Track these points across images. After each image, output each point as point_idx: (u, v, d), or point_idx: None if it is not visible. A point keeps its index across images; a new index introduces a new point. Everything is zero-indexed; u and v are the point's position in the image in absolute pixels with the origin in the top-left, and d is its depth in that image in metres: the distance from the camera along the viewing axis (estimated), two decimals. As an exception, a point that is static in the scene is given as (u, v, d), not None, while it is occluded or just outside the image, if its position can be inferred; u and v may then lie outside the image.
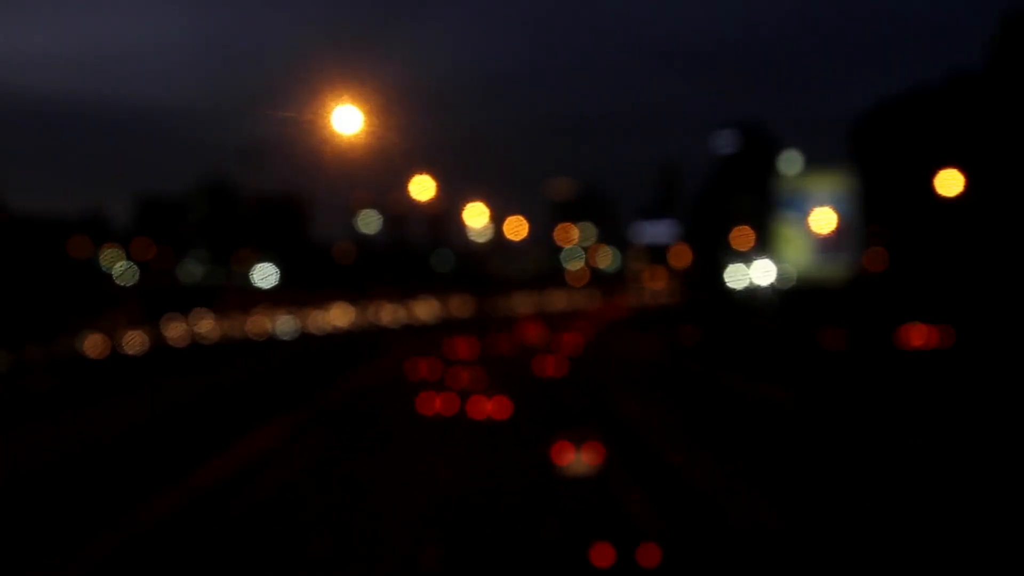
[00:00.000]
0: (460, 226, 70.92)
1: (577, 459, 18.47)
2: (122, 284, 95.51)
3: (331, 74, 18.98)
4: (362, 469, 18.41)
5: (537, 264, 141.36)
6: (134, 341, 58.66)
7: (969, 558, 11.75)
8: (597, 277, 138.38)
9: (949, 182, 38.35)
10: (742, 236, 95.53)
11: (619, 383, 34.32)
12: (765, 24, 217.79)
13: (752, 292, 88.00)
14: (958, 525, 13.17)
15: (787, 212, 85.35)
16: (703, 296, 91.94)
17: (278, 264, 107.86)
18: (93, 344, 54.42)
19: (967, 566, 11.53)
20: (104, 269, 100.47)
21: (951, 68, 71.31)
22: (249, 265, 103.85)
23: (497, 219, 69.40)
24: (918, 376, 29.98)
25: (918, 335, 43.29)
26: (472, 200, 49.98)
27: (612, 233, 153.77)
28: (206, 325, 72.14)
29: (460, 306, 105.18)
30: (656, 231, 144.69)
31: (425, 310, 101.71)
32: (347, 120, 18.36)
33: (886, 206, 70.75)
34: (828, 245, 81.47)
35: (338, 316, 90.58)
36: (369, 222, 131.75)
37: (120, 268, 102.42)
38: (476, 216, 52.12)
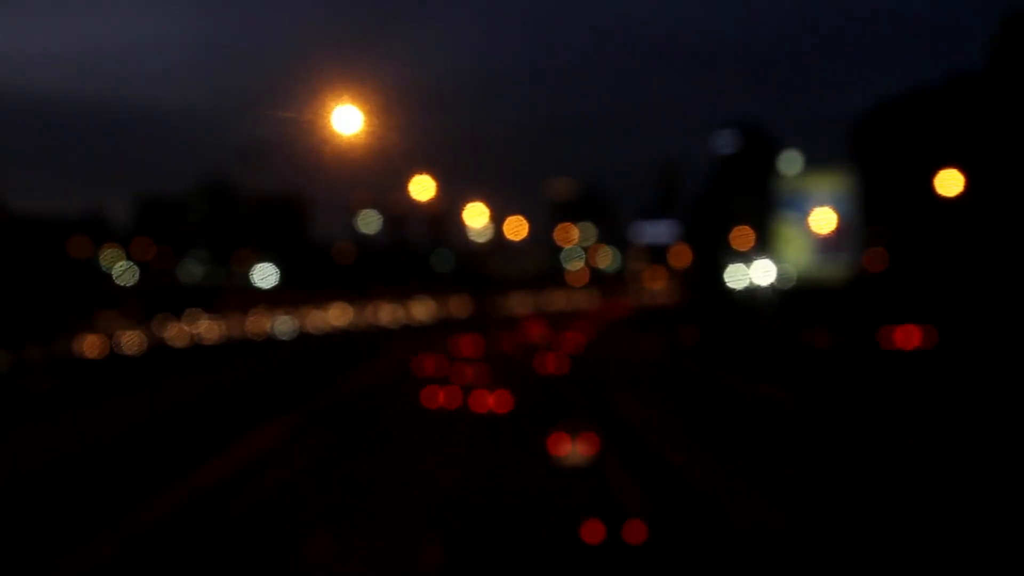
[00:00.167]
0: (460, 226, 70.93)
1: (573, 450, 18.92)
2: (122, 284, 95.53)
3: (331, 74, 18.98)
4: (362, 469, 18.42)
5: (537, 264, 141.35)
6: (133, 341, 58.66)
7: (969, 558, 11.75)
8: (597, 277, 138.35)
9: (949, 182, 38.34)
10: (742, 236, 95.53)
11: (619, 383, 34.35)
12: (765, 24, 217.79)
13: (752, 292, 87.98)
14: (958, 525, 13.17)
15: (787, 212, 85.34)
16: (703, 296, 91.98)
17: (278, 264, 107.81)
18: (92, 344, 54.42)
19: (967, 566, 11.53)
20: (104, 269, 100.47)
21: (951, 68, 71.35)
22: (249, 265, 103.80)
23: (497, 219, 69.40)
24: (918, 376, 29.99)
25: (906, 335, 43.32)
26: (472, 200, 50.00)
27: (612, 233, 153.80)
28: (202, 326, 72.09)
29: (459, 306, 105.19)
30: (656, 231, 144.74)
31: (423, 310, 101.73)
32: (347, 120, 18.36)
33: (886, 206, 70.74)
34: (828, 245, 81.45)
35: (337, 316, 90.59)
36: (369, 222, 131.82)
37: (120, 268, 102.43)
38: (476, 216, 52.12)
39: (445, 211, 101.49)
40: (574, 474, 17.54)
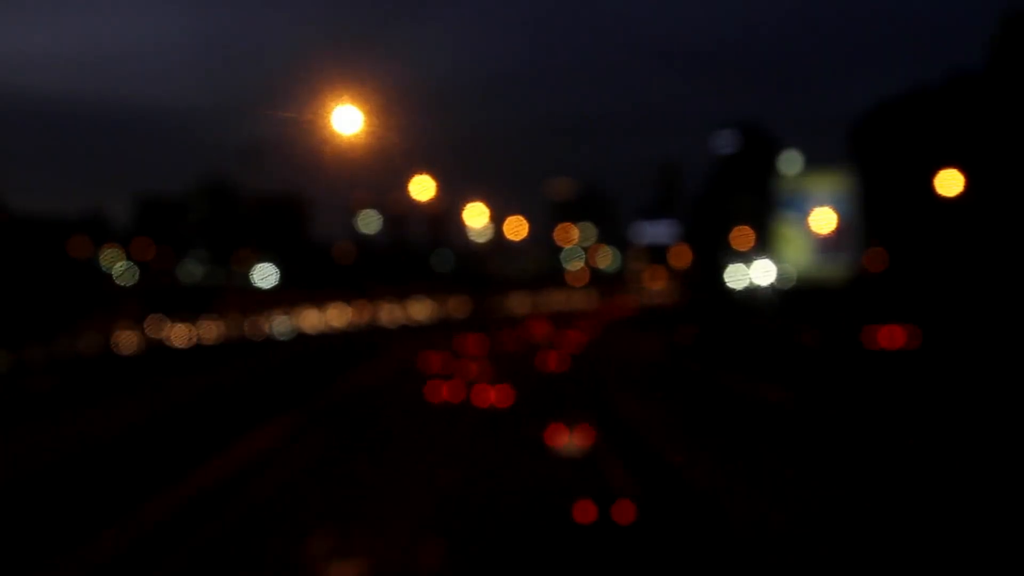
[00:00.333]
0: (460, 226, 71.04)
1: (570, 441, 19.60)
2: (122, 284, 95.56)
3: (331, 74, 19.02)
4: (362, 468, 18.42)
5: (537, 264, 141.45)
6: (132, 341, 58.66)
7: (969, 557, 11.76)
8: (597, 277, 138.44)
9: (949, 182, 38.37)
10: (742, 236, 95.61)
11: (619, 383, 34.37)
12: (765, 24, 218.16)
13: (752, 292, 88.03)
14: (958, 525, 13.17)
15: (787, 212, 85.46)
16: (703, 296, 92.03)
17: (278, 264, 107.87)
18: (92, 344, 54.41)
19: (967, 566, 11.53)
20: (104, 269, 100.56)
21: (951, 68, 71.49)
22: (249, 265, 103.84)
23: (497, 219, 69.53)
24: (902, 375, 29.99)
25: (890, 336, 43.33)
26: (472, 200, 50.12)
27: (612, 233, 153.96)
28: (202, 326, 72.07)
29: (459, 306, 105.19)
30: (656, 231, 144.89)
31: (422, 310, 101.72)
32: (347, 120, 18.38)
33: (886, 206, 70.79)
34: (828, 245, 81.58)
35: (337, 316, 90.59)
36: (369, 222, 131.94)
37: (120, 268, 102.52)
38: (476, 216, 52.20)
39: (445, 211, 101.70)
40: (571, 464, 17.99)
